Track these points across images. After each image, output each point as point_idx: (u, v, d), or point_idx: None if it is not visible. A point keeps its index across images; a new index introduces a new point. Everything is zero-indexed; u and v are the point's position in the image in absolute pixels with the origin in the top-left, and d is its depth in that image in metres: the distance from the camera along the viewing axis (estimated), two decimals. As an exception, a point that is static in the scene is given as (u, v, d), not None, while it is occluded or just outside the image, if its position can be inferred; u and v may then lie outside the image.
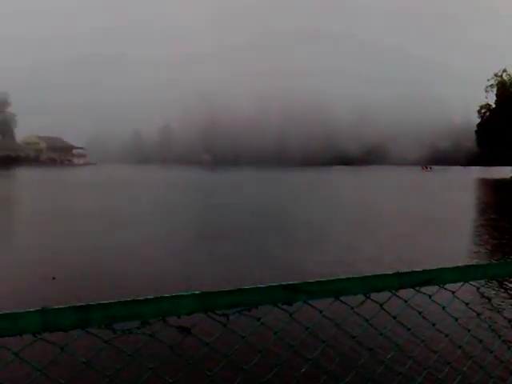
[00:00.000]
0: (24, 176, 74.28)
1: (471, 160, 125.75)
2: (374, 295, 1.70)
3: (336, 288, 1.61)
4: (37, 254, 13.87)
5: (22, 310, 1.25)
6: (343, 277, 1.63)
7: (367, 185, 58.29)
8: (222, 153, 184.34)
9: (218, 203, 30.64)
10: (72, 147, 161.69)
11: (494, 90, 78.68)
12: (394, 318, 1.88)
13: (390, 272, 1.71)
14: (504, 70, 78.22)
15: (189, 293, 1.40)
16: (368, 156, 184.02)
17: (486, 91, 79.37)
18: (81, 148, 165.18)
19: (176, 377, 1.60)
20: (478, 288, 2.64)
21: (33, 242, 15.99)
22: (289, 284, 1.52)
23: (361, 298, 1.68)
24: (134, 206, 28.71)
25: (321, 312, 1.70)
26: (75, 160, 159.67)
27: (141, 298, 1.35)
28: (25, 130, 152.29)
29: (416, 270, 1.76)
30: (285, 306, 1.54)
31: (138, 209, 27.52)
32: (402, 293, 1.76)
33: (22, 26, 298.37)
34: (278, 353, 1.89)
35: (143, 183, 55.10)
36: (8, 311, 1.24)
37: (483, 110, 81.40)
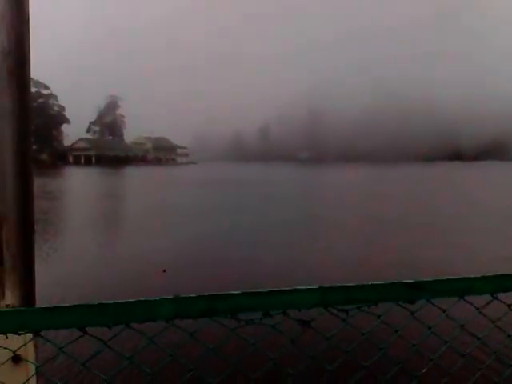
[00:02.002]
0: (134, 174, 79.04)
1: None
2: (501, 296, 1.61)
3: (461, 287, 1.54)
4: (149, 246, 14.68)
5: (157, 298, 1.34)
6: (469, 275, 1.56)
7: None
8: (324, 150, 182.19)
9: (337, 200, 30.46)
10: (176, 147, 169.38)
11: None
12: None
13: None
14: None
15: (310, 287, 1.42)
16: (487, 151, 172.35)
17: None
18: (184, 148, 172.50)
19: (296, 369, 1.63)
20: None
21: (145, 235, 16.97)
22: (412, 282, 1.49)
23: (487, 298, 1.60)
24: (249, 204, 29.44)
25: (444, 311, 1.65)
26: (178, 159, 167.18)
27: (264, 290, 1.39)
28: (133, 131, 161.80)
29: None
30: (406, 305, 1.51)
31: (253, 206, 28.07)
32: None
33: (128, 36, 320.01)
34: (398, 352, 1.85)
35: (250, 180, 55.79)
36: (144, 298, 1.33)
37: None
